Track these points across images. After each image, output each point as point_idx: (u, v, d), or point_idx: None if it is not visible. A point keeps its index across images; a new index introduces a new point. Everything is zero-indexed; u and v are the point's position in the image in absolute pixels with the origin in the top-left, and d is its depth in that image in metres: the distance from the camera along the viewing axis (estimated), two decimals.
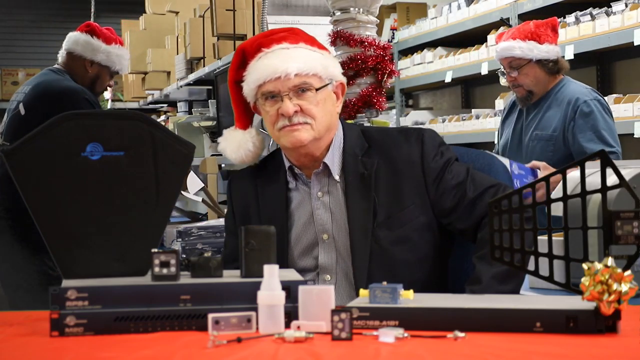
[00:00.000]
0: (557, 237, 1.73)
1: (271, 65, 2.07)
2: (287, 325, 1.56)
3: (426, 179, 2.12)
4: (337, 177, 2.15)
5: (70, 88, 3.95)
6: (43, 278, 3.78)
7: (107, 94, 8.40)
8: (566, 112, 3.79)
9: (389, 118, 6.48)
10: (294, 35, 2.15)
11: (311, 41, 2.17)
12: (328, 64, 2.14)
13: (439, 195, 2.12)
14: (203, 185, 3.89)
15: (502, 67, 3.95)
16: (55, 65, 4.22)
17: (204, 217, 3.99)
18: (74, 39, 4.15)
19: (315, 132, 2.09)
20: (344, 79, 2.19)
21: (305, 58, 2.09)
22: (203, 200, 3.84)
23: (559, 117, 3.82)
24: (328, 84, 2.12)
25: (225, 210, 2.36)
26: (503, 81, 4.00)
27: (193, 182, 3.67)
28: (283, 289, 1.57)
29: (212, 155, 4.91)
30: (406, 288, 1.64)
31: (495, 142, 4.47)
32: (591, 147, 3.71)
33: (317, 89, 2.09)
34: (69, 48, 4.15)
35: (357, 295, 1.78)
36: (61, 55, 4.18)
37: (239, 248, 1.71)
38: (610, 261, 1.48)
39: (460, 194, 2.10)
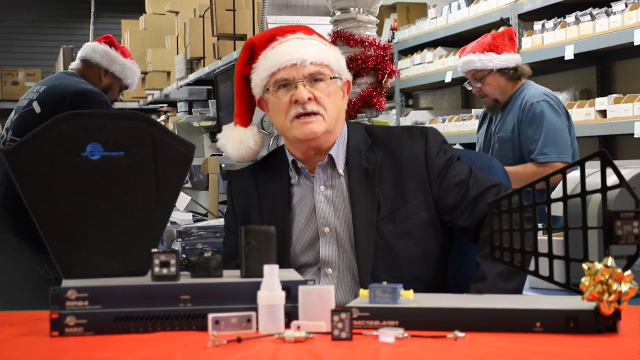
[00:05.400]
0: (557, 237, 1.73)
1: (287, 52, 2.10)
2: (287, 325, 1.55)
3: (429, 175, 2.13)
4: (341, 171, 2.15)
5: (89, 90, 3.97)
6: (41, 279, 3.77)
7: None
8: (518, 114, 4.06)
9: (388, 118, 6.48)
10: (308, 30, 2.19)
11: (323, 38, 2.21)
12: (339, 59, 2.18)
13: (441, 191, 2.12)
14: (190, 198, 3.91)
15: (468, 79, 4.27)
16: (70, 69, 4.24)
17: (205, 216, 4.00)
18: (92, 47, 4.21)
19: (327, 123, 2.10)
20: (350, 77, 2.21)
21: (319, 48, 2.13)
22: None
23: (514, 119, 4.08)
24: (338, 78, 2.14)
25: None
26: (471, 89, 4.31)
27: (180, 198, 3.69)
28: (283, 289, 1.57)
29: (212, 155, 4.90)
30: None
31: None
32: (529, 148, 3.99)
33: (331, 78, 2.11)
34: (86, 55, 4.19)
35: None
36: (76, 62, 4.23)
37: (239, 247, 1.71)
38: (610, 261, 1.48)
39: (463, 191, 2.11)
